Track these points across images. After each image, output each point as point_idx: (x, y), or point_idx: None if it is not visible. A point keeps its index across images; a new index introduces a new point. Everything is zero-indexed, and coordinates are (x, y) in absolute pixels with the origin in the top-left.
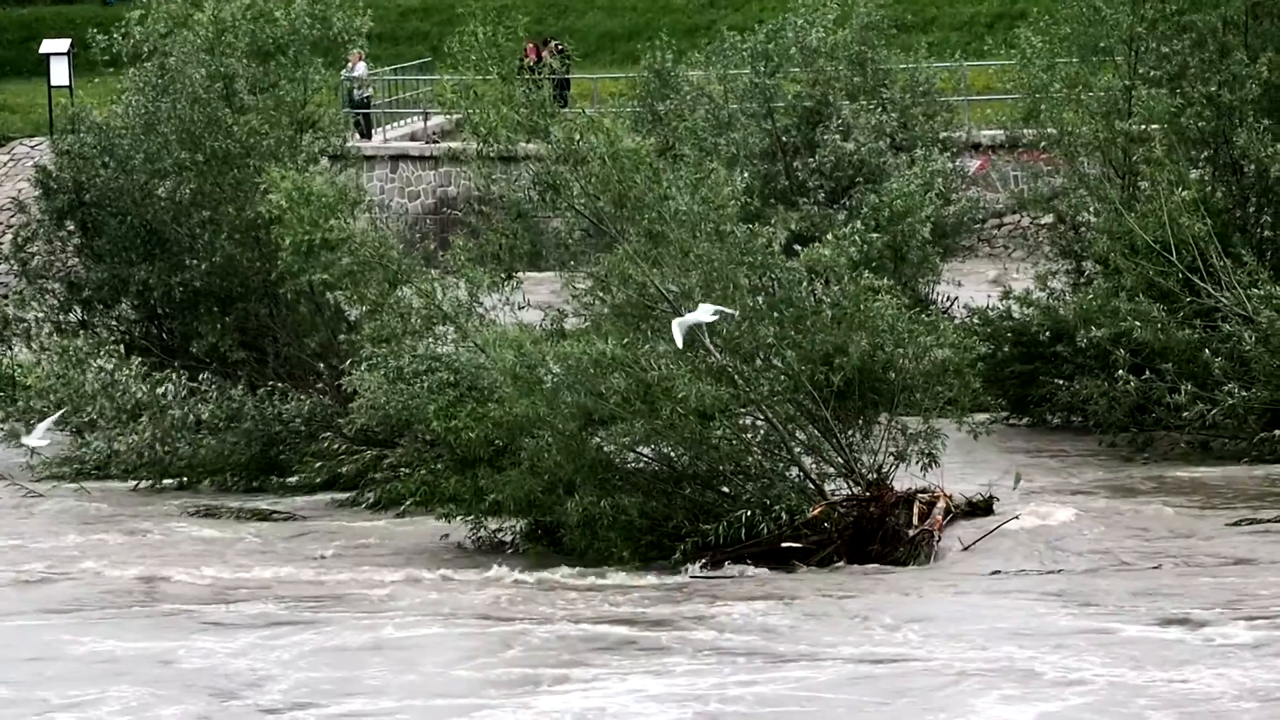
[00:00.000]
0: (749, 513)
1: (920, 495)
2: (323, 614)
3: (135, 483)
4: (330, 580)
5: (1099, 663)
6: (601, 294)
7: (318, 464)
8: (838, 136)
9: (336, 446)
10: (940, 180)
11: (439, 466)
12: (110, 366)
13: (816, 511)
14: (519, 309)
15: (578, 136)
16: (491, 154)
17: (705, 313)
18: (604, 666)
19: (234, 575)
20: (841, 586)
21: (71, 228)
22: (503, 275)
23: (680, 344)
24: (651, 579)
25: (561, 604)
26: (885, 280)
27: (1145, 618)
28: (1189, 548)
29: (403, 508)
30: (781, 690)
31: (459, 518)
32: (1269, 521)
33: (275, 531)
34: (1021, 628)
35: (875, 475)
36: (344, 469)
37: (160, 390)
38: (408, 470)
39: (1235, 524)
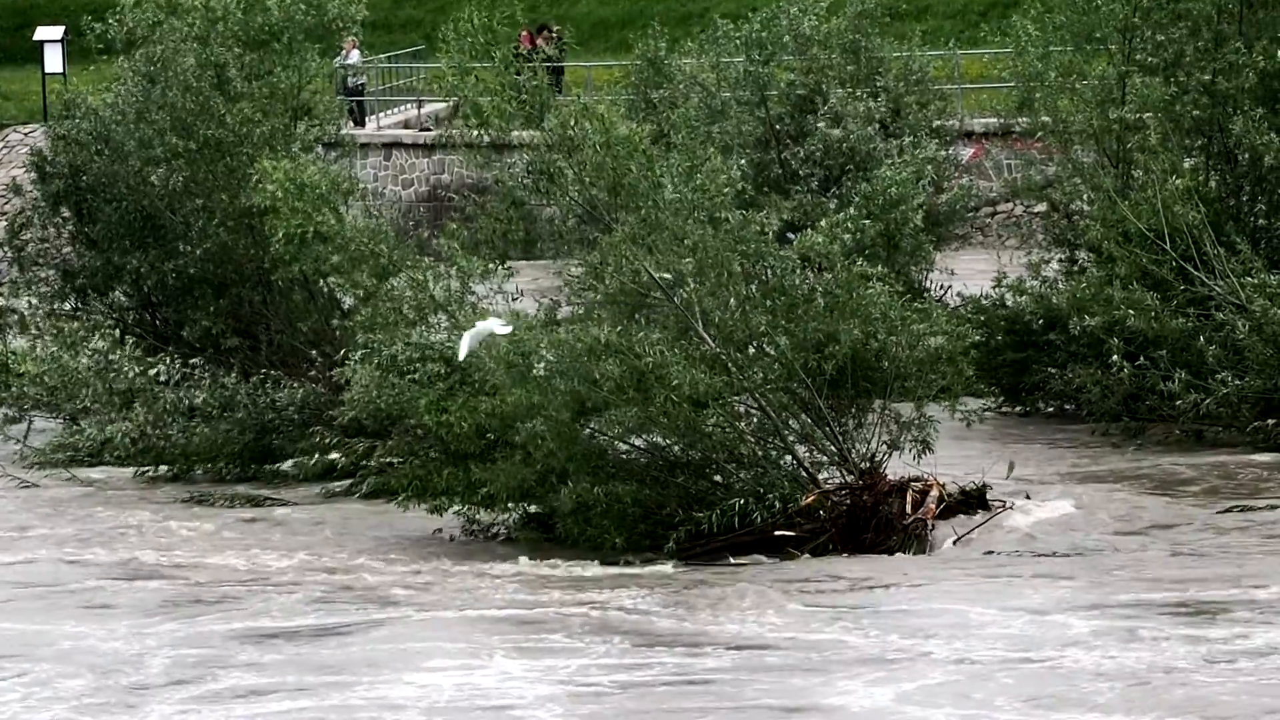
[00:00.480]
0: (742, 501)
1: (913, 484)
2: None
3: (133, 471)
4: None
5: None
6: (595, 282)
7: (311, 458)
8: (823, 124)
9: (328, 440)
10: (932, 168)
11: (431, 458)
12: (104, 347)
13: (810, 500)
14: (513, 299)
15: (572, 123)
16: (485, 141)
17: (495, 324)
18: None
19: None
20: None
21: (66, 214)
22: (495, 261)
23: (462, 356)
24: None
25: (483, 591)
26: (879, 268)
27: (1079, 605)
28: (1175, 535)
29: (397, 500)
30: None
31: (451, 511)
32: (1260, 509)
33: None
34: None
35: (868, 464)
36: (337, 462)
37: (153, 372)
38: (400, 462)
39: (1225, 511)
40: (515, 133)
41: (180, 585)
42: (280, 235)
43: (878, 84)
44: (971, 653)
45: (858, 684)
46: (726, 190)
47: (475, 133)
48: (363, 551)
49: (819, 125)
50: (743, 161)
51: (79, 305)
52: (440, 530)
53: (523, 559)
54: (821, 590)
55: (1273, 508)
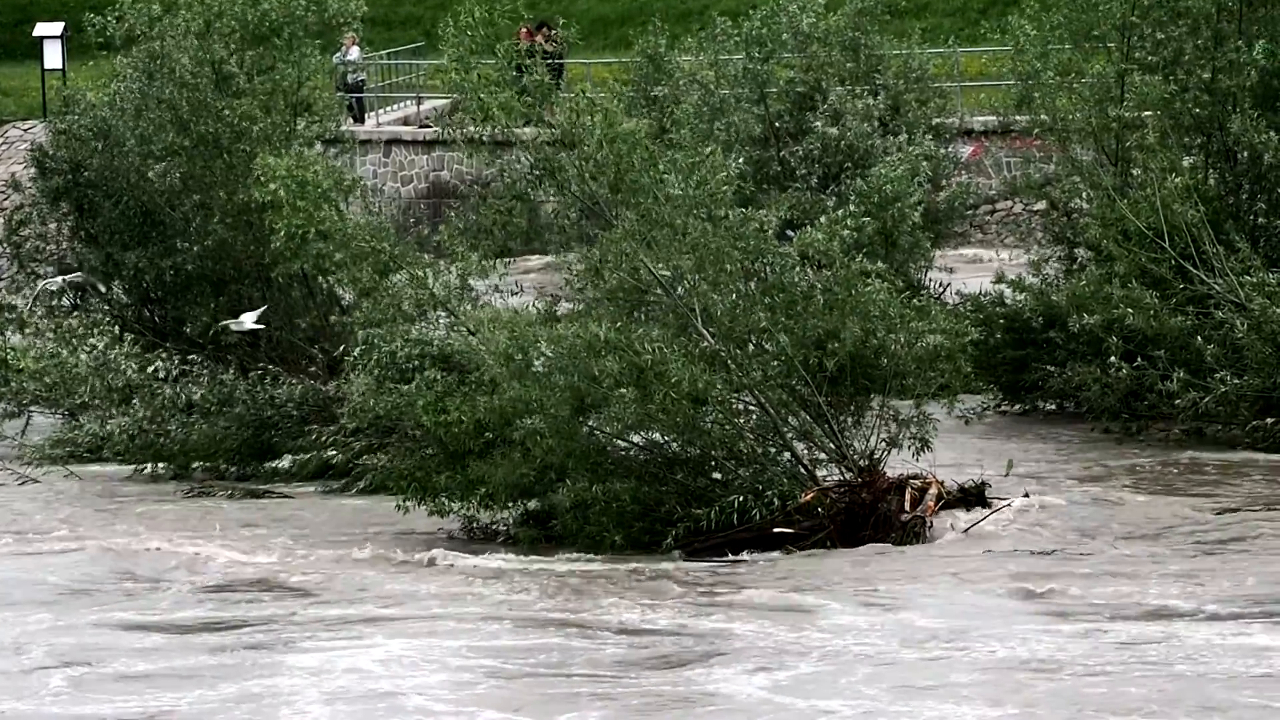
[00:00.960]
0: (741, 498)
1: (912, 481)
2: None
3: (132, 469)
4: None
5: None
6: (595, 278)
7: (309, 456)
8: (820, 122)
9: (326, 439)
10: (929, 165)
11: (429, 458)
12: (103, 345)
13: (809, 497)
14: (513, 293)
15: (575, 118)
16: (487, 137)
17: (248, 319)
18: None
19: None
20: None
21: (66, 209)
22: (494, 256)
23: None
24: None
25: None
26: (878, 265)
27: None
28: (1170, 535)
29: (397, 502)
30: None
31: (450, 513)
32: (1259, 510)
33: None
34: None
35: (867, 461)
36: (334, 460)
37: (151, 369)
38: (398, 462)
39: (1221, 513)
40: (517, 129)
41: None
42: (281, 232)
43: (877, 81)
44: (851, 646)
45: (732, 672)
46: (726, 187)
47: (478, 128)
48: (321, 547)
49: (818, 123)
50: (740, 159)
51: (77, 301)
52: (441, 528)
53: (439, 551)
54: (722, 584)
55: (1271, 508)
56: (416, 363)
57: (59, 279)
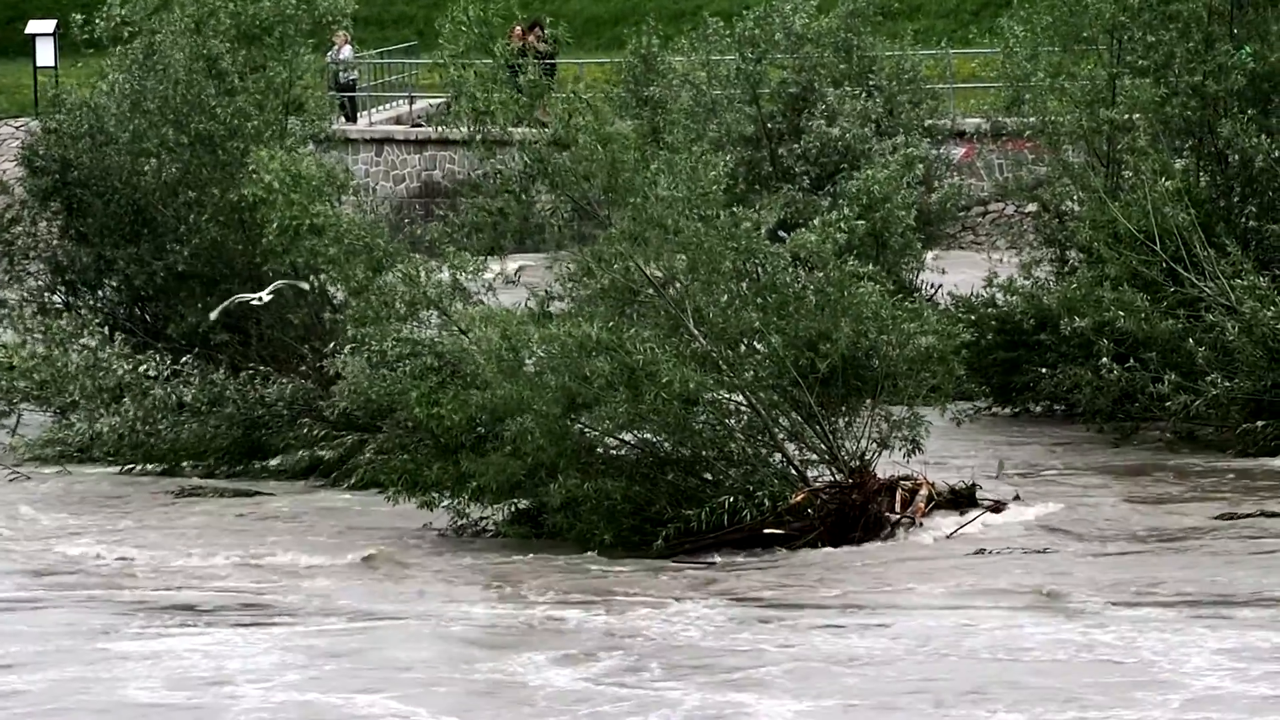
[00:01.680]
0: (732, 499)
1: (903, 483)
2: None
3: (120, 467)
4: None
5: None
6: (586, 278)
7: (299, 451)
8: (823, 122)
9: (317, 432)
10: (921, 166)
11: (421, 452)
12: (94, 344)
13: (799, 498)
14: (509, 282)
15: (568, 118)
16: (483, 136)
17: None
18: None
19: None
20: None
21: (56, 208)
22: (486, 252)
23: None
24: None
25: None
26: (870, 266)
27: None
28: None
29: (387, 494)
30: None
31: (441, 505)
32: (1246, 517)
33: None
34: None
35: (858, 462)
36: (325, 454)
37: (143, 369)
38: (389, 455)
39: (1218, 518)
40: (510, 129)
41: None
42: (274, 225)
43: (870, 83)
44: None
45: (538, 656)
46: (717, 186)
47: (476, 127)
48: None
49: (816, 123)
50: (731, 159)
51: (68, 300)
52: (429, 524)
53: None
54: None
55: (1268, 515)
56: (408, 362)
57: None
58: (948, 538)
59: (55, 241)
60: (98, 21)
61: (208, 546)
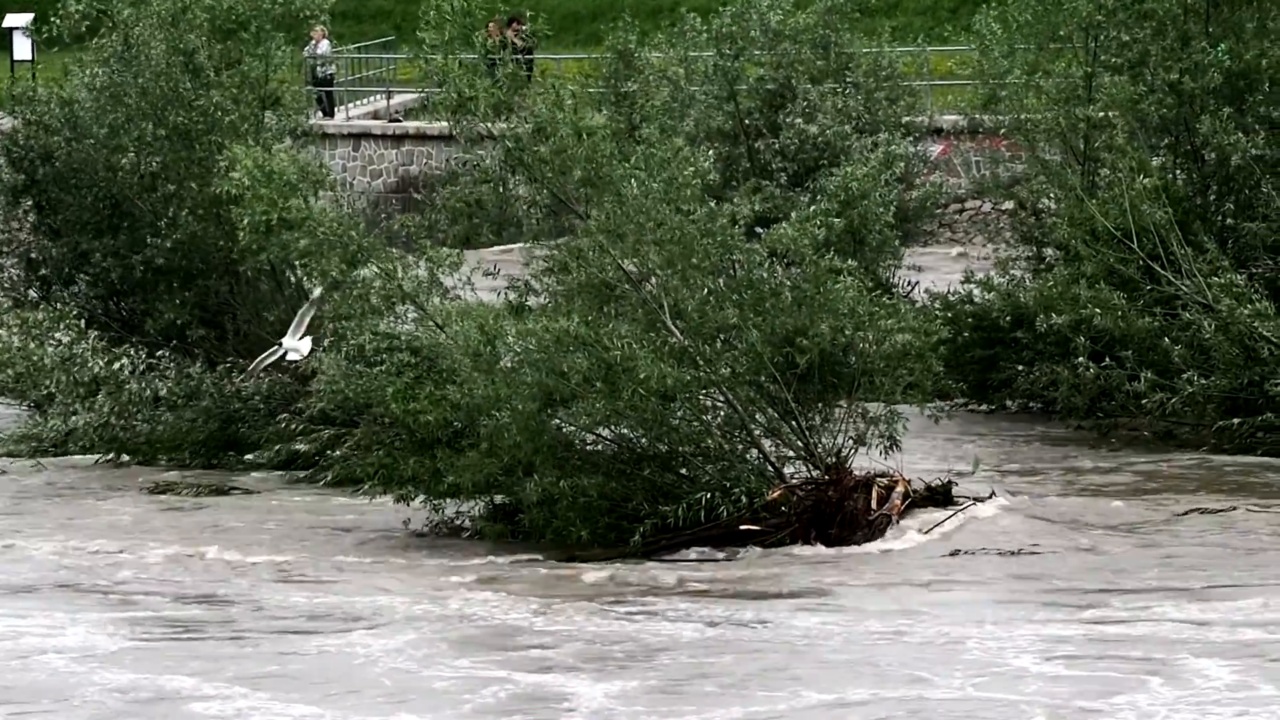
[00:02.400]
0: (708, 495)
1: (879, 480)
2: None
3: (96, 459)
4: None
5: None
6: (563, 273)
7: (275, 446)
8: (801, 119)
9: (294, 427)
10: (901, 164)
11: (397, 448)
12: (69, 339)
13: (776, 495)
14: (489, 274)
15: (548, 111)
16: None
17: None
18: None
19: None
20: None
21: (31, 203)
22: (463, 243)
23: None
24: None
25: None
26: (849, 262)
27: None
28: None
29: (363, 489)
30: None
31: (417, 500)
32: (1219, 512)
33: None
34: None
35: (834, 459)
36: (301, 449)
37: (118, 365)
38: (366, 451)
39: (1184, 514)
40: (487, 123)
41: None
42: (246, 223)
43: (847, 79)
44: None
45: (352, 638)
46: (695, 181)
47: (452, 118)
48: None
49: (796, 120)
50: (710, 154)
51: (43, 294)
52: (409, 521)
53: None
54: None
55: (1234, 510)
56: (385, 356)
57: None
58: (923, 533)
59: (29, 236)
60: (54, 20)
61: (146, 539)
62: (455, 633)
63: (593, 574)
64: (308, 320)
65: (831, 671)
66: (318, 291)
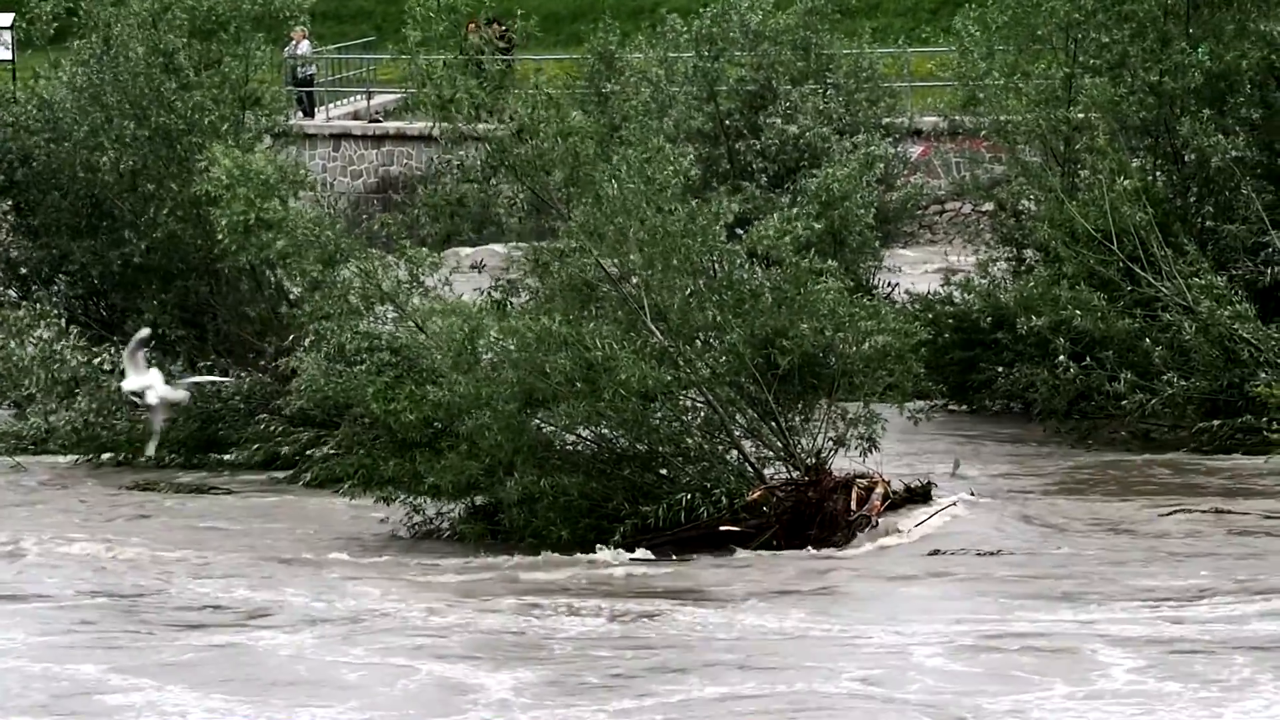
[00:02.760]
0: (688, 496)
1: (859, 481)
2: None
3: (76, 458)
4: None
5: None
6: (544, 273)
7: (254, 446)
8: (780, 120)
9: (274, 428)
10: (881, 165)
11: (377, 448)
12: (49, 336)
13: (755, 495)
14: (475, 268)
15: (531, 110)
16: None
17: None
18: None
19: None
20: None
21: (8, 205)
22: (443, 242)
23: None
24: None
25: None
26: (829, 263)
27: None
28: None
29: (342, 489)
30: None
31: (397, 500)
32: (1202, 512)
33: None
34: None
35: (814, 460)
36: (282, 450)
37: (98, 362)
38: (346, 452)
39: (1169, 514)
40: (471, 123)
41: None
42: (224, 224)
43: (828, 80)
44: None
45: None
46: (675, 181)
47: (435, 116)
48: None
49: (776, 121)
50: (690, 155)
51: (23, 294)
52: (385, 519)
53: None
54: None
55: (1219, 512)
56: (365, 356)
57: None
58: (902, 534)
59: (8, 236)
60: (19, 24)
61: (107, 537)
62: (376, 627)
63: (527, 572)
64: (141, 358)
65: (722, 667)
66: (144, 331)
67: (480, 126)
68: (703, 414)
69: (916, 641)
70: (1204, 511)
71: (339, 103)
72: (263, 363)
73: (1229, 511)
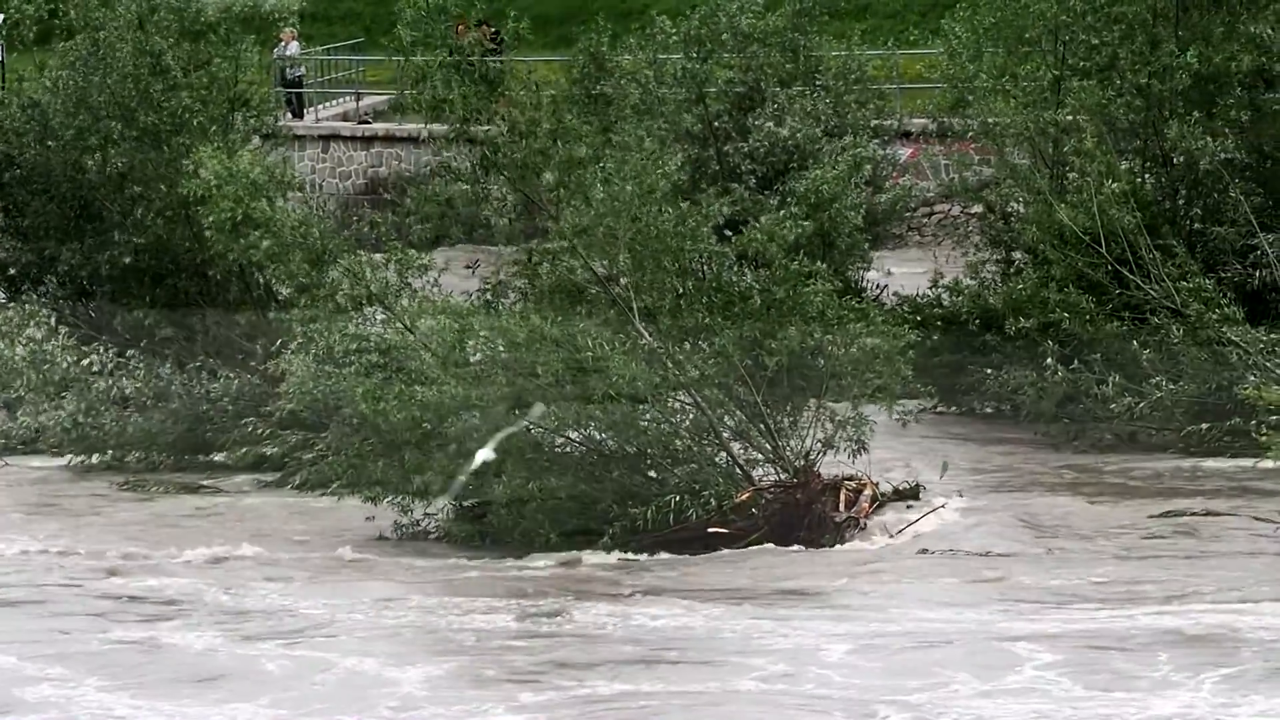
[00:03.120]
0: (677, 498)
1: (847, 482)
2: None
3: (67, 459)
4: None
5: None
6: (534, 275)
7: (243, 449)
8: (770, 122)
9: (262, 431)
10: (869, 167)
11: (365, 449)
12: (40, 336)
13: (744, 497)
14: (469, 268)
15: (523, 112)
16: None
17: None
18: None
19: None
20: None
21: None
22: (432, 243)
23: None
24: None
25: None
26: (819, 264)
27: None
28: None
29: (330, 490)
30: None
31: (385, 501)
32: (1191, 515)
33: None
34: None
35: (803, 462)
36: (270, 452)
37: (86, 363)
38: (334, 453)
39: (1159, 516)
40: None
41: None
42: (211, 221)
43: (817, 82)
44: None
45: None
46: (664, 182)
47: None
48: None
49: (765, 123)
50: (679, 157)
51: (11, 295)
52: (373, 518)
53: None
54: None
55: (1210, 514)
56: (354, 357)
57: None
58: (890, 537)
59: None
60: (2, 28)
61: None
62: (292, 625)
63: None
64: None
65: (624, 664)
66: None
67: (473, 128)
68: (691, 416)
69: (833, 639)
70: (1194, 514)
71: (327, 104)
72: (252, 364)
73: (1219, 514)
